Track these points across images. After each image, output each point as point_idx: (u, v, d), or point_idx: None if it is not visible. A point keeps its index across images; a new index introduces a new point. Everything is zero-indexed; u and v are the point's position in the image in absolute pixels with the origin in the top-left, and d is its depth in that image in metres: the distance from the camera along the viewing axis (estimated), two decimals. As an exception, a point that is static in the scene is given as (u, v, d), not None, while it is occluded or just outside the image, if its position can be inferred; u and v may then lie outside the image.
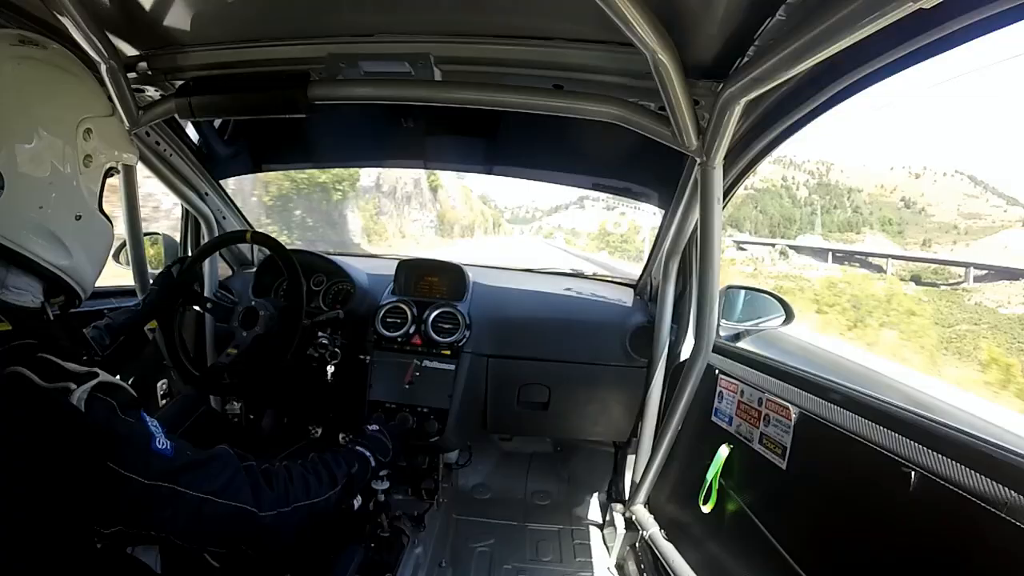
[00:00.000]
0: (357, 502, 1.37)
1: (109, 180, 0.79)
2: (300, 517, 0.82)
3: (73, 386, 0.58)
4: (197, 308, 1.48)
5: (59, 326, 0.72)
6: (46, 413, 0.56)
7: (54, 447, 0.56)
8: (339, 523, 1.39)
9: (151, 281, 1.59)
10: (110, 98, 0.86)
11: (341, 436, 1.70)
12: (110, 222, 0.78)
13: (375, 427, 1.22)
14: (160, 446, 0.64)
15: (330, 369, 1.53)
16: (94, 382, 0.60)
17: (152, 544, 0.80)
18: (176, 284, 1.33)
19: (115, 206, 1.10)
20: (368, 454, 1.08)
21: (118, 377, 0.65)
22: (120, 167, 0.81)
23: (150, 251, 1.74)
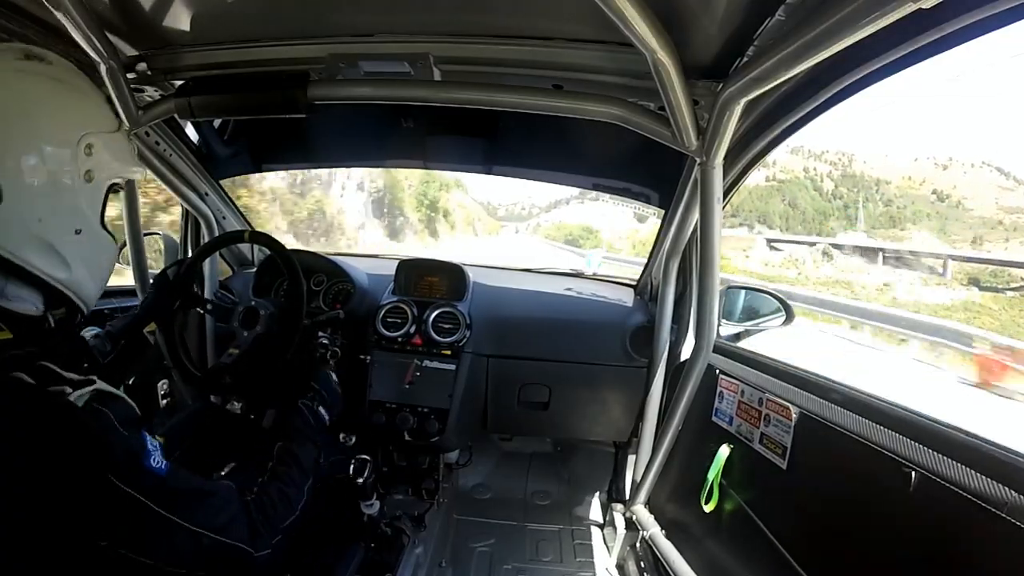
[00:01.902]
0: (371, 510, 1.37)
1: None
2: (286, 536, 0.82)
3: (70, 390, 0.58)
4: (198, 310, 1.48)
5: (60, 334, 0.72)
6: (44, 412, 0.56)
7: (52, 446, 0.56)
8: (340, 523, 1.39)
9: (151, 281, 1.60)
10: (114, 109, 0.86)
11: (341, 436, 1.70)
12: (113, 237, 0.78)
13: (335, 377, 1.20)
14: (155, 464, 0.63)
15: (332, 365, 1.53)
16: (91, 389, 0.60)
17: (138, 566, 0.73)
18: (173, 286, 1.33)
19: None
20: (320, 408, 1.09)
21: (122, 388, 0.65)
22: (120, 187, 0.81)
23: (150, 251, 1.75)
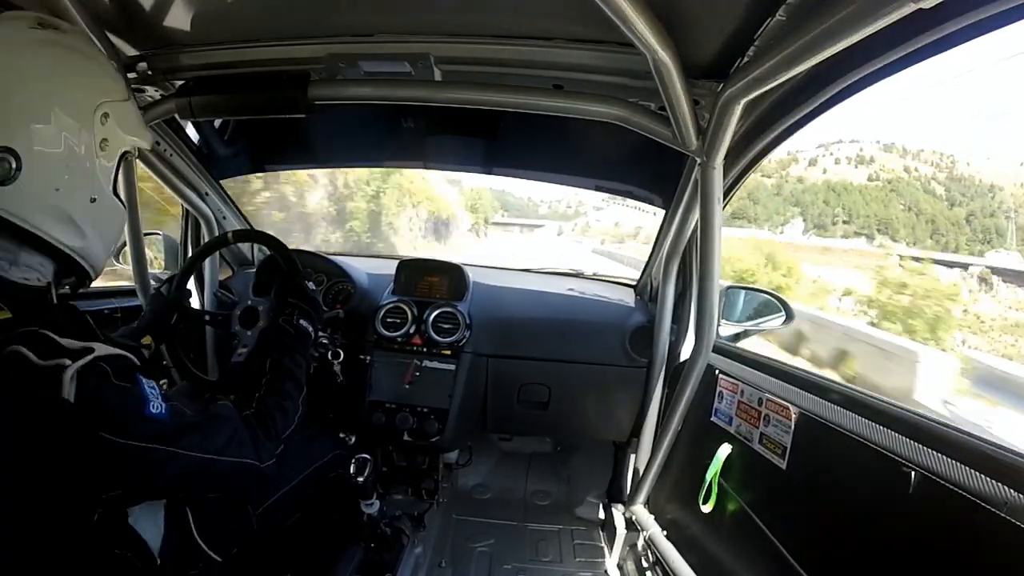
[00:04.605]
0: (370, 510, 1.37)
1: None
2: (286, 444, 0.88)
3: (68, 362, 0.58)
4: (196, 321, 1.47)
5: (62, 309, 0.72)
6: (40, 390, 0.57)
7: (49, 422, 0.57)
8: (340, 523, 1.39)
9: (151, 282, 1.59)
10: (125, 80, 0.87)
11: (341, 434, 1.70)
12: (124, 205, 0.79)
13: (311, 284, 1.19)
14: (154, 410, 0.65)
15: (336, 364, 1.53)
16: (90, 357, 0.60)
17: (153, 500, 0.82)
18: (169, 304, 1.32)
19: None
20: (308, 326, 1.09)
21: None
22: (131, 155, 0.81)
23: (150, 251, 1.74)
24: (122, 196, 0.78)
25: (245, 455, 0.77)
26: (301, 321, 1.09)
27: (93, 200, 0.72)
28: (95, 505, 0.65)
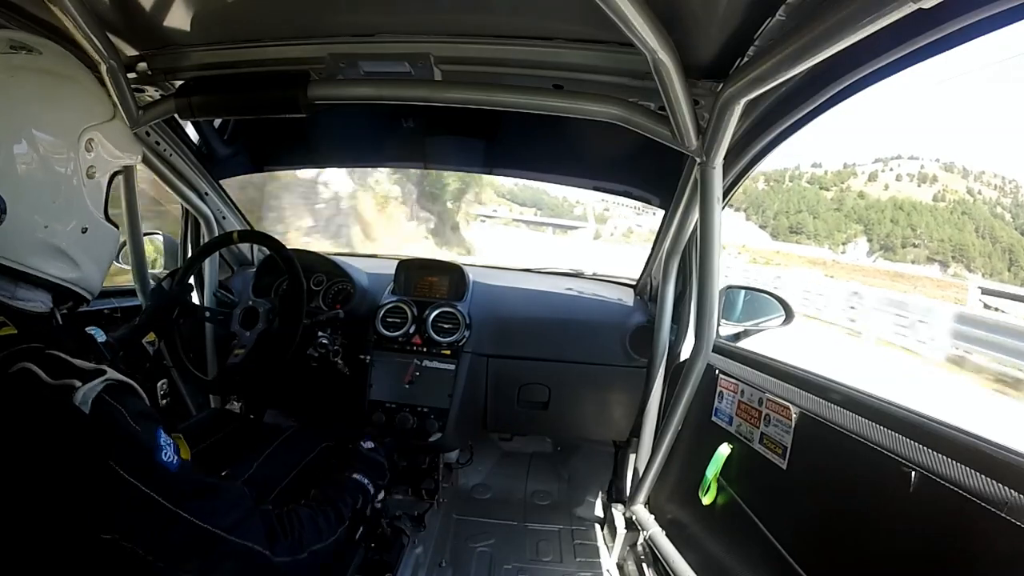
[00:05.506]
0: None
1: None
2: (314, 561, 0.80)
3: (78, 383, 0.57)
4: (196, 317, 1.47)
5: (66, 330, 0.72)
6: (49, 411, 0.56)
7: (57, 446, 0.56)
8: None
9: (151, 282, 1.59)
10: (110, 97, 0.85)
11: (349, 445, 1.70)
12: (116, 226, 0.77)
13: (369, 444, 1.19)
14: (165, 459, 0.62)
15: (339, 363, 1.52)
16: (101, 381, 0.59)
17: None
18: (170, 298, 1.31)
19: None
20: (366, 482, 1.07)
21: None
22: (120, 174, 0.79)
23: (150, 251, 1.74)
24: (114, 212, 0.75)
25: (254, 541, 0.69)
26: (366, 483, 1.08)
27: (84, 230, 0.69)
28: (102, 546, 0.61)
